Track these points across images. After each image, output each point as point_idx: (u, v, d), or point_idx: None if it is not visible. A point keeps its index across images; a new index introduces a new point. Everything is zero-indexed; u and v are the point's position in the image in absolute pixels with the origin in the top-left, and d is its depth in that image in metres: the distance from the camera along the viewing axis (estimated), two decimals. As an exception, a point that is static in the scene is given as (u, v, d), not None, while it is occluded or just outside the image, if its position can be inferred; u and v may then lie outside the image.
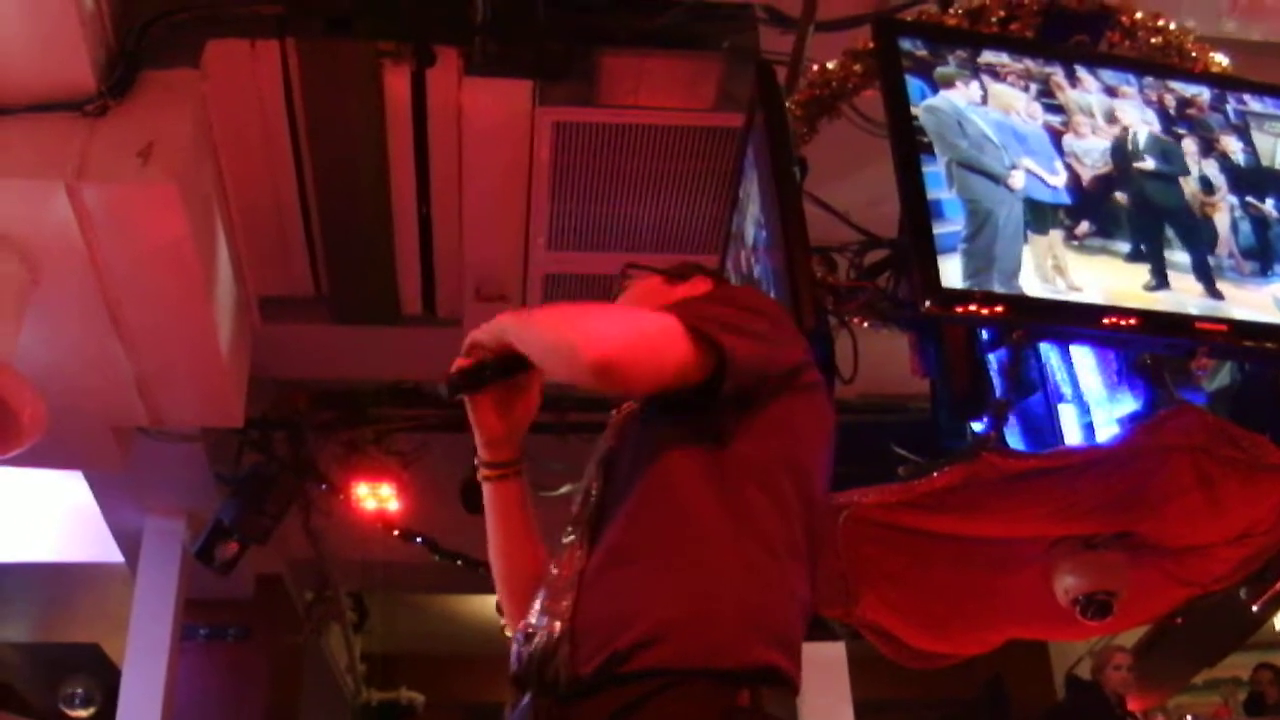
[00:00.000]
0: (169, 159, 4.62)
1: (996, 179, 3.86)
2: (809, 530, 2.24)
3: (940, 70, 4.07)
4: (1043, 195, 3.88)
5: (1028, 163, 3.93)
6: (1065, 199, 3.91)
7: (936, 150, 3.85)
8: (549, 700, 2.09)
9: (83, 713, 11.22)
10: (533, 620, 2.21)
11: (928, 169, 3.79)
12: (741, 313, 2.28)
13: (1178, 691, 11.24)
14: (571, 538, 2.29)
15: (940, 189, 3.77)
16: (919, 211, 3.68)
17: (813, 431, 2.36)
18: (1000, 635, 5.17)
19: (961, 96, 4.04)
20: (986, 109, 4.03)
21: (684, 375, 2.15)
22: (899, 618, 4.81)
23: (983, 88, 4.09)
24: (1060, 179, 3.96)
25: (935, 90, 4.01)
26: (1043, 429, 4.28)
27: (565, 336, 2.20)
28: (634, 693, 1.97)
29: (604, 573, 2.14)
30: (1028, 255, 3.72)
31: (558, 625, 2.12)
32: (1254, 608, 6.12)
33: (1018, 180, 3.87)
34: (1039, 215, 3.83)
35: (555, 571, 2.26)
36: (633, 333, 2.17)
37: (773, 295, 3.99)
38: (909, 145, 3.82)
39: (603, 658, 2.01)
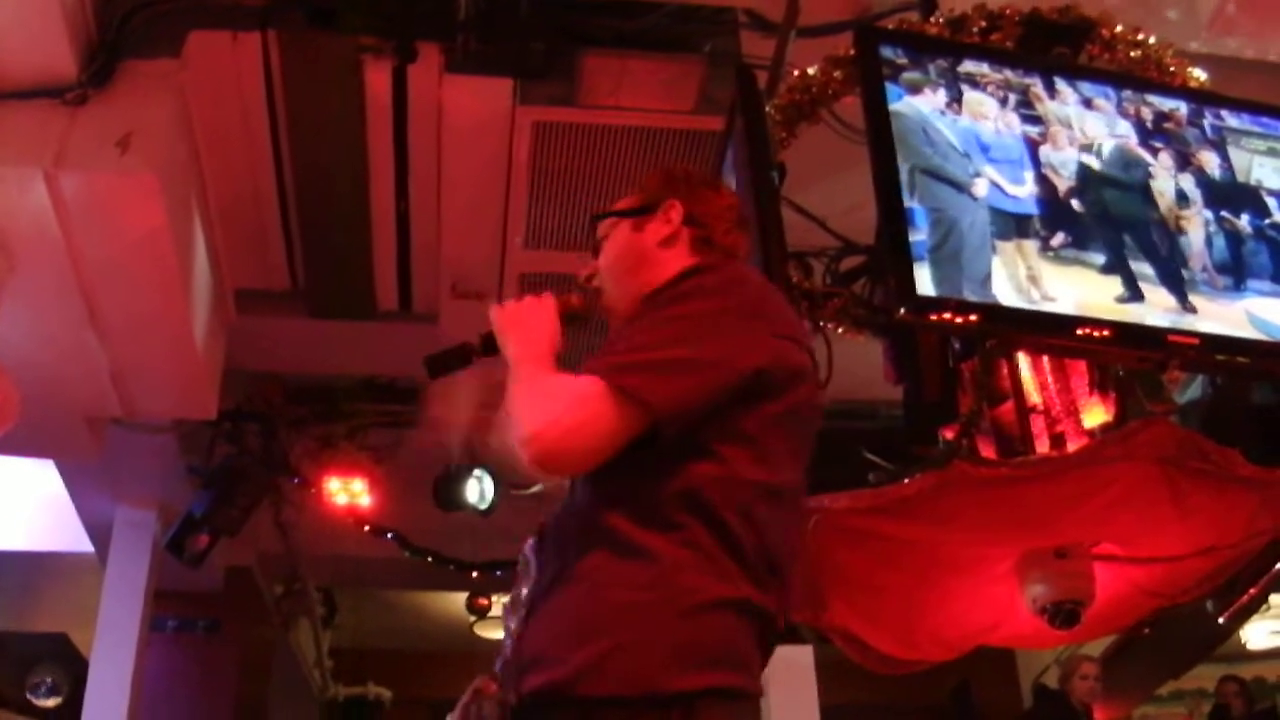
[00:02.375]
0: (148, 149, 4.61)
1: (960, 187, 3.88)
2: (764, 544, 2.21)
3: (908, 75, 4.08)
4: (1004, 205, 3.90)
5: (990, 172, 3.95)
6: (1031, 209, 3.93)
7: (899, 156, 3.86)
8: None
9: (49, 703, 11.14)
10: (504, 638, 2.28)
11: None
12: (677, 336, 2.25)
13: (1143, 702, 11.27)
14: (531, 556, 2.33)
15: (903, 196, 3.79)
16: (896, 219, 3.69)
17: (773, 441, 2.28)
18: (969, 642, 5.18)
19: (928, 103, 4.05)
20: (953, 117, 4.05)
21: (619, 442, 2.16)
22: (867, 623, 4.82)
23: (955, 96, 4.11)
24: (1024, 189, 3.97)
25: (901, 96, 4.02)
26: (1013, 438, 4.29)
27: (515, 428, 2.19)
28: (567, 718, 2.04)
29: (547, 600, 2.19)
30: (998, 264, 3.74)
31: (508, 646, 2.22)
32: (1220, 620, 6.15)
33: (981, 188, 3.89)
34: (1004, 224, 3.85)
35: (517, 587, 2.31)
36: (559, 426, 2.15)
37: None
38: (888, 153, 3.84)
39: (539, 684, 2.08)
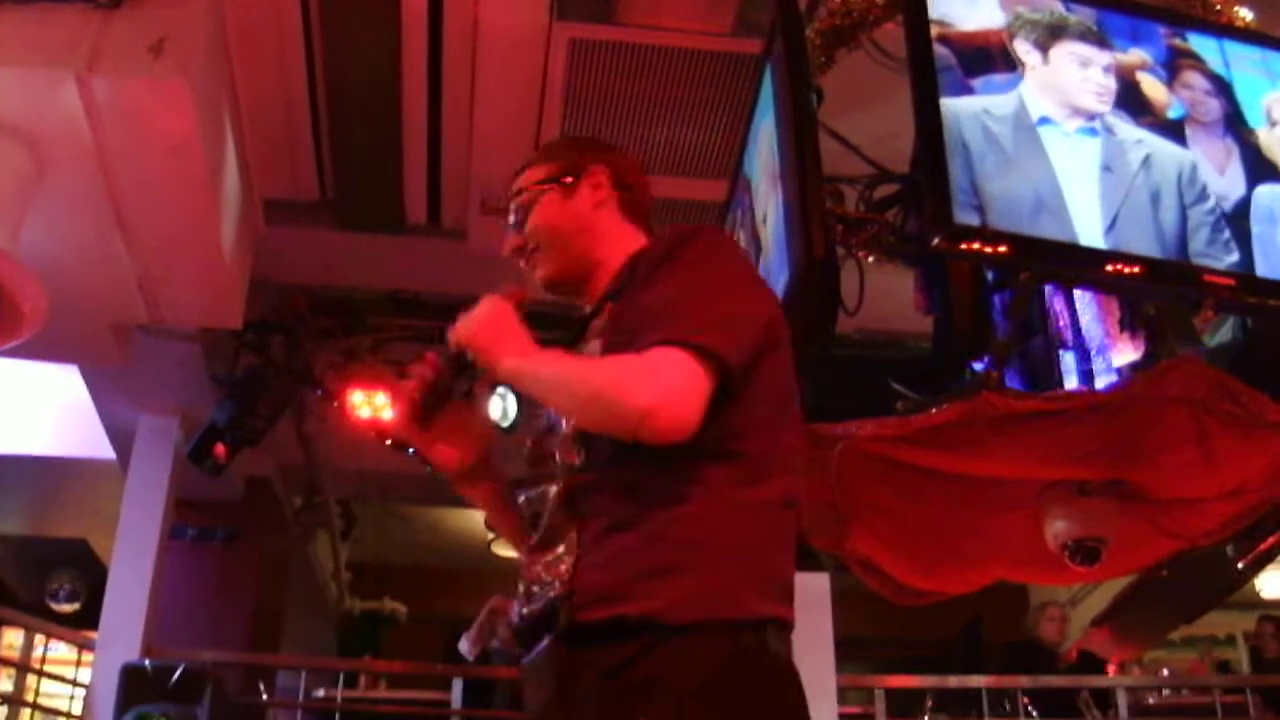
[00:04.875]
0: (181, 55, 4.58)
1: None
2: (794, 478, 2.32)
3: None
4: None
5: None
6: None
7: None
8: (562, 645, 2.16)
9: (68, 607, 11.27)
10: (534, 584, 2.27)
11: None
12: (728, 295, 2.29)
13: (1155, 646, 11.30)
14: (544, 489, 2.36)
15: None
16: (935, 146, 3.67)
17: (786, 385, 2.37)
18: (988, 576, 5.19)
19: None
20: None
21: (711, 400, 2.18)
22: (888, 552, 4.83)
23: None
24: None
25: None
26: (1042, 372, 4.28)
27: (617, 405, 2.17)
28: (642, 643, 2.06)
29: (606, 537, 2.18)
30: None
31: (558, 586, 2.19)
32: (1240, 565, 6.14)
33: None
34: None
35: (544, 522, 2.32)
36: (676, 395, 2.13)
37: (783, 226, 3.98)
38: (929, 80, 3.80)
39: (608, 615, 2.09)
